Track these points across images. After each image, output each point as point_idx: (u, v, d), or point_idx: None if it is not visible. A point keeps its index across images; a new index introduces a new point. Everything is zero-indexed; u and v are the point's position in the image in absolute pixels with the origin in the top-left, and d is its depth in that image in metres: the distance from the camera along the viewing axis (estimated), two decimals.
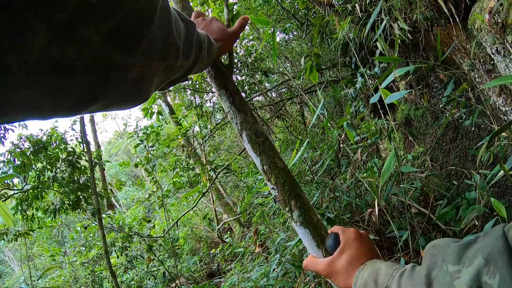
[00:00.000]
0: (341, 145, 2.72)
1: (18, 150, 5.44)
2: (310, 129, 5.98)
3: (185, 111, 6.74)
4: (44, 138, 5.57)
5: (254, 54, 6.56)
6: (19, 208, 6.18)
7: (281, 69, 8.11)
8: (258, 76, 7.16)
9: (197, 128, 6.24)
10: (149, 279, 7.59)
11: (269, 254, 3.67)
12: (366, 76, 2.90)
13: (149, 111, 5.24)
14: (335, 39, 3.28)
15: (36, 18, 0.30)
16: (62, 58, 0.35)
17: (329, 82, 3.13)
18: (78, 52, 0.36)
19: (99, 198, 4.49)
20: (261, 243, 3.69)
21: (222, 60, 0.96)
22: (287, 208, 0.82)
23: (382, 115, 2.44)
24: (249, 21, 0.95)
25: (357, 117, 3.47)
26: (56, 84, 0.36)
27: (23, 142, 5.57)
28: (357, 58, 3.11)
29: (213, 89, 0.90)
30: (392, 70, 1.67)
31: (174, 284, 7.42)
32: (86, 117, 9.32)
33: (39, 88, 0.35)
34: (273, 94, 8.66)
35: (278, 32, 7.17)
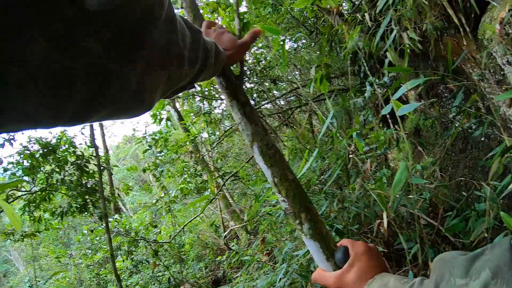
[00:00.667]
0: (350, 156, 2.71)
1: (28, 152, 5.50)
2: (318, 138, 5.97)
3: (194, 117, 6.77)
4: (53, 141, 5.62)
5: (264, 62, 6.59)
6: (27, 209, 6.24)
7: (289, 77, 8.12)
8: (267, 84, 7.18)
9: (205, 135, 6.26)
10: (154, 284, 7.58)
11: (276, 263, 3.65)
12: (375, 85, 2.90)
13: (158, 117, 5.27)
14: (344, 48, 3.28)
15: (35, 29, 0.30)
16: (62, 68, 0.35)
17: (339, 91, 3.13)
18: (77, 61, 0.36)
19: (106, 202, 4.52)
20: (268, 251, 3.67)
21: (233, 69, 0.97)
22: (297, 221, 0.82)
23: (391, 125, 2.43)
24: (260, 34, 0.96)
25: (366, 127, 3.46)
26: (55, 94, 0.36)
27: (32, 145, 5.64)
28: (366, 67, 3.11)
29: (223, 98, 0.91)
30: (402, 80, 1.66)
31: None
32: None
33: (38, 98, 0.35)
34: (282, 102, 8.68)
35: (287, 41, 7.20)
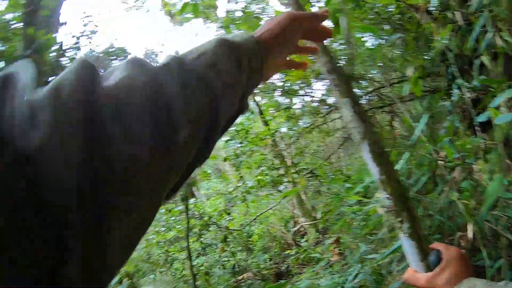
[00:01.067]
0: (438, 162, 2.59)
1: None
2: (399, 141, 5.75)
3: (273, 111, 6.88)
4: None
5: (346, 59, 6.47)
6: None
7: (370, 76, 7.86)
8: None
9: (284, 130, 6.33)
10: (218, 268, 7.87)
11: (346, 265, 3.62)
12: (463, 88, 2.73)
13: None
14: (432, 47, 3.13)
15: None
16: None
17: (430, 94, 3.00)
18: None
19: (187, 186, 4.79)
20: (340, 251, 3.66)
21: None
22: (399, 219, 0.85)
23: (481, 132, 2.29)
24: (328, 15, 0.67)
25: (457, 134, 3.27)
26: None
27: None
28: (454, 69, 2.92)
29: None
30: (498, 88, 1.57)
31: (241, 277, 7.62)
32: None
33: None
34: (363, 101, 8.45)
35: (369, 38, 6.95)
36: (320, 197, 7.52)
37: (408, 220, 0.85)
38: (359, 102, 0.89)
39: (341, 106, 0.91)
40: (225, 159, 5.59)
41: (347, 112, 0.89)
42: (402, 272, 2.24)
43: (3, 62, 4.27)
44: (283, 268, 8.37)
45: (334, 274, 3.57)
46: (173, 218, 7.88)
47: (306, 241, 8.17)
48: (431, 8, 3.39)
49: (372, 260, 2.75)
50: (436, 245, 0.89)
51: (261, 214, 5.12)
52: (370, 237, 3.09)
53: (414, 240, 0.85)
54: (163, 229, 8.49)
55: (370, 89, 7.72)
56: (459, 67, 3.09)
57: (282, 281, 5.61)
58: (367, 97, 7.96)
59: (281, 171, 5.98)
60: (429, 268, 0.85)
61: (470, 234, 1.98)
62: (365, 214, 2.90)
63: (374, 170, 0.89)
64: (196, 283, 4.27)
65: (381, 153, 0.88)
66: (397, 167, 2.04)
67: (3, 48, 4.43)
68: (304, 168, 5.69)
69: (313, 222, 7.54)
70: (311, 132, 7.18)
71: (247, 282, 7.46)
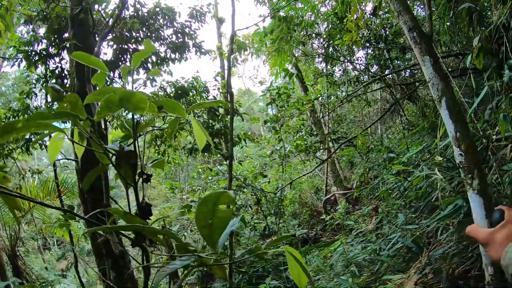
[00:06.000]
0: (494, 137, 2.53)
1: (161, 93, 6.14)
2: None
3: (314, 78, 6.79)
4: (186, 85, 6.18)
5: (392, 28, 6.23)
6: (153, 143, 7.10)
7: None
8: (393, 53, 6.81)
9: (324, 97, 6.26)
10: (249, 229, 8.10)
11: (382, 234, 3.64)
12: None
13: (283, 73, 5.40)
14: (489, 23, 2.96)
15: None
16: None
17: (493, 69, 2.87)
18: None
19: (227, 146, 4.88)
20: (378, 221, 3.68)
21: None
22: (470, 175, 0.88)
23: None
24: None
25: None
26: None
27: (167, 86, 6.29)
28: (508, 48, 2.77)
29: (416, 55, 0.95)
30: None
31: (269, 239, 7.83)
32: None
33: None
34: (407, 73, 8.19)
35: (416, 7, 6.63)
36: (355, 168, 7.51)
37: (478, 177, 0.87)
38: (439, 60, 0.89)
39: (420, 64, 0.91)
40: (265, 122, 5.64)
41: (427, 70, 0.90)
42: (447, 241, 2.27)
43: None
44: (311, 234, 8.54)
45: (369, 243, 3.62)
46: (210, 177, 8.12)
47: (335, 210, 8.25)
48: None
49: (411, 230, 2.77)
50: (501, 206, 0.97)
51: (297, 178, 5.16)
52: (411, 206, 3.09)
53: (482, 197, 0.88)
54: (199, 188, 8.77)
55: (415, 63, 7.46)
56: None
57: (321, 243, 5.71)
58: (415, 70, 7.69)
59: (318, 138, 5.97)
60: (491, 225, 0.94)
61: None
62: (409, 184, 2.89)
63: (450, 127, 0.90)
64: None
65: (458, 110, 0.89)
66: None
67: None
68: (342, 137, 5.66)
69: (346, 192, 7.57)
70: (351, 101, 7.07)
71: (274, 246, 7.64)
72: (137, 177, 0.83)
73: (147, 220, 0.90)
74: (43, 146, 5.75)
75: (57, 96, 0.78)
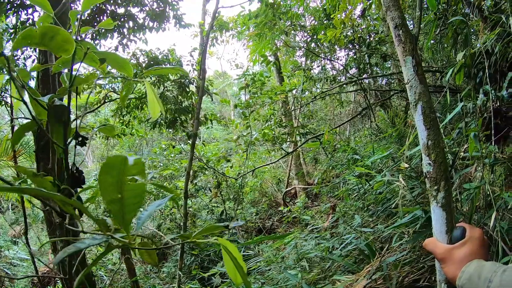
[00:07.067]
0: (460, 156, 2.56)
1: (134, 61, 5.89)
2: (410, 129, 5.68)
3: (292, 70, 6.73)
4: (160, 57, 5.95)
5: (377, 35, 6.26)
6: (118, 112, 6.86)
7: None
8: (374, 59, 6.86)
9: (298, 90, 6.22)
10: (207, 212, 8.04)
11: (336, 234, 3.66)
12: (490, 94, 2.66)
13: (262, 59, 5.31)
14: (472, 47, 3.01)
15: None
16: None
17: (469, 90, 2.92)
18: None
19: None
20: (334, 219, 3.69)
21: None
22: (436, 187, 0.83)
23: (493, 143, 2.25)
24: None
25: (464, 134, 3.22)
26: None
27: (139, 55, 6.03)
28: (487, 74, 2.84)
29: (398, 54, 0.88)
30: None
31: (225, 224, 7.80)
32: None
33: None
34: (384, 81, 8.31)
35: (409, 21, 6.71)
36: (319, 165, 7.58)
37: (444, 190, 0.82)
38: (421, 63, 0.83)
39: (401, 63, 0.85)
40: (235, 106, 5.53)
41: (407, 70, 0.84)
42: (401, 249, 2.28)
43: None
44: (267, 225, 8.58)
45: (323, 240, 3.63)
46: (173, 154, 7.95)
47: (295, 203, 8.32)
48: (485, 8, 3.26)
49: (366, 233, 2.77)
50: (462, 223, 0.95)
51: (260, 167, 5.12)
52: (369, 209, 3.10)
53: (445, 211, 0.84)
54: (161, 164, 8.59)
55: (394, 72, 7.56)
56: (490, 74, 2.98)
57: (275, 234, 5.71)
58: (391, 79, 7.81)
59: (286, 130, 5.94)
60: (451, 241, 0.94)
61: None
62: (370, 187, 2.90)
63: (422, 134, 0.85)
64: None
65: (433, 117, 0.83)
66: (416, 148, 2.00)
67: None
68: (310, 132, 5.64)
69: (306, 187, 7.62)
70: (324, 98, 7.08)
71: (230, 232, 7.64)
72: (70, 139, 0.72)
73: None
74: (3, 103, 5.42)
75: None
